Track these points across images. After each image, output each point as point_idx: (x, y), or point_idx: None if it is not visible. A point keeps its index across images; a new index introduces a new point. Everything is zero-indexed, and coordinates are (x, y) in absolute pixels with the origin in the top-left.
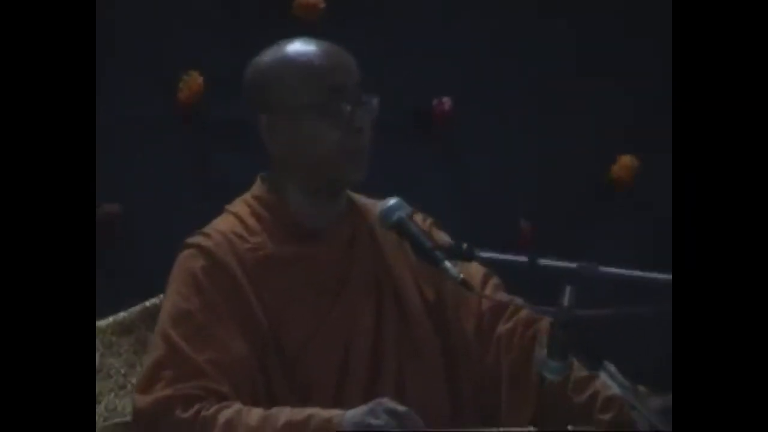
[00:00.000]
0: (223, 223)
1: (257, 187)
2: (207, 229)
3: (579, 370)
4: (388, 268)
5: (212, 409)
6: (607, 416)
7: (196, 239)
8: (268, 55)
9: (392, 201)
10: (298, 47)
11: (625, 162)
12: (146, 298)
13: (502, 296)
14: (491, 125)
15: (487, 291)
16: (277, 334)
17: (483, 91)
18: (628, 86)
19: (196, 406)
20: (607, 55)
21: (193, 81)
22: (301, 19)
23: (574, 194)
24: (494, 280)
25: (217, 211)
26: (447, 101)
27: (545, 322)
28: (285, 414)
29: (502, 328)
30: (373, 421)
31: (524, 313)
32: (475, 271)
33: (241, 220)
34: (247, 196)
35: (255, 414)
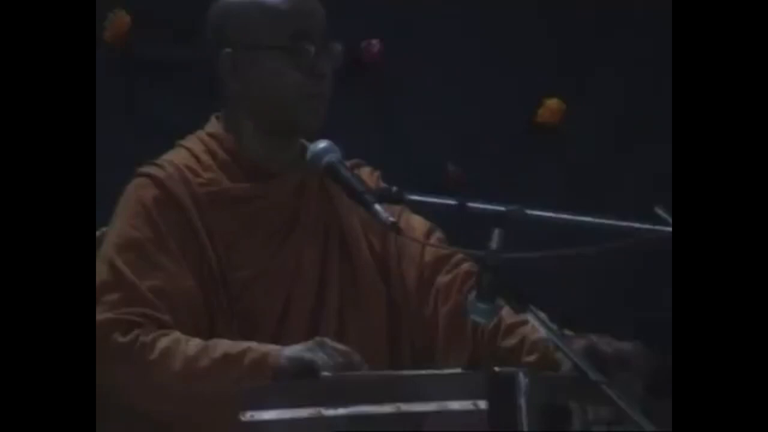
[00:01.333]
0: (176, 156)
1: (212, 125)
2: (159, 161)
3: (510, 317)
4: (337, 216)
5: (151, 336)
6: (532, 357)
7: (149, 169)
8: None
9: (322, 144)
10: None
11: (551, 105)
12: None
13: (444, 249)
14: (420, 68)
15: (428, 247)
16: (223, 270)
17: (411, 32)
18: (553, 26)
19: (135, 332)
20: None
21: (120, 19)
22: None
23: (501, 136)
24: (437, 234)
25: (145, 151)
26: (376, 43)
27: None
28: (223, 345)
29: (442, 279)
30: (311, 357)
31: (464, 267)
32: (418, 224)
33: (195, 155)
34: (201, 132)
35: (193, 343)
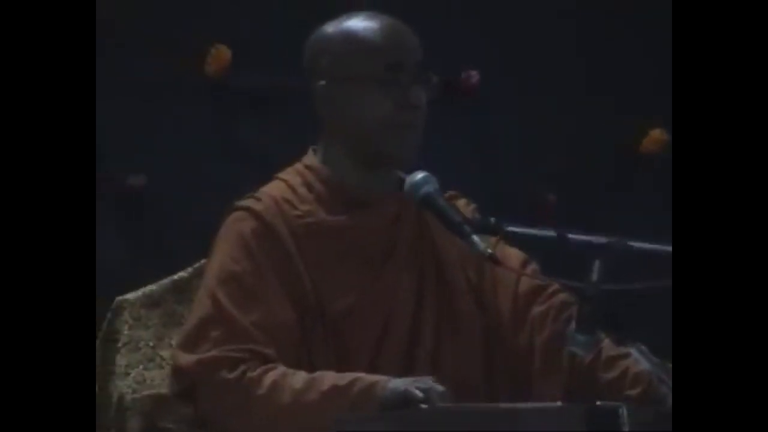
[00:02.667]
0: (273, 189)
1: (308, 157)
2: (257, 193)
3: (610, 350)
4: (433, 245)
5: (258, 371)
6: (635, 391)
7: (247, 202)
8: (331, 26)
9: (419, 176)
10: (361, 21)
11: (656, 136)
12: (174, 272)
13: (539, 280)
14: (518, 98)
15: (524, 278)
16: (321, 301)
17: (510, 62)
18: (658, 58)
19: (242, 367)
20: (636, 23)
21: (221, 54)
22: None
23: (602, 167)
24: (533, 265)
25: (244, 183)
26: (475, 74)
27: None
28: (330, 378)
29: (537, 309)
30: (417, 393)
31: (559, 298)
32: (514, 254)
33: (291, 188)
34: (299, 165)
35: (300, 377)
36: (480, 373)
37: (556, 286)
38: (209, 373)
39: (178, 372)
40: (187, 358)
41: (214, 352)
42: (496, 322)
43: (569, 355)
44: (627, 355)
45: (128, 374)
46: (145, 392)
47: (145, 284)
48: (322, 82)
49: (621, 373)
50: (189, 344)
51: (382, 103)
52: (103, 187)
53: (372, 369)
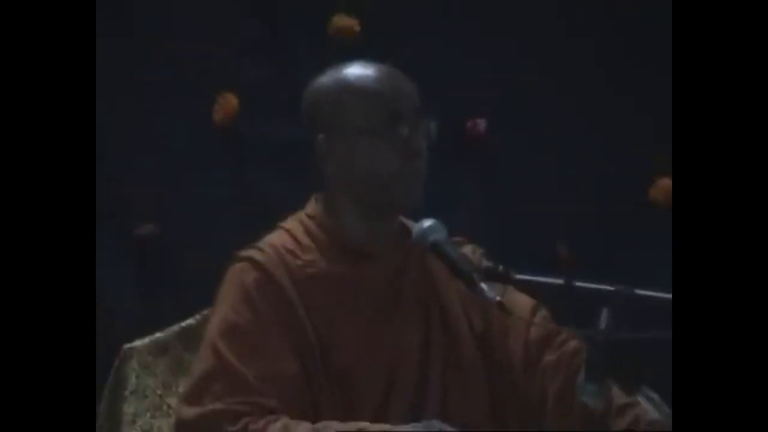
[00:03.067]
0: (275, 238)
1: (311, 206)
2: (259, 244)
3: (622, 397)
4: (437, 293)
5: (260, 423)
6: None
7: (249, 252)
8: (327, 77)
9: (427, 223)
10: (357, 70)
11: (664, 184)
12: (183, 319)
13: (550, 327)
14: (525, 145)
15: (535, 324)
16: (325, 352)
17: (517, 110)
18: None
19: (244, 420)
20: (642, 73)
21: (228, 102)
22: (337, 41)
23: (612, 214)
24: (542, 312)
25: (255, 231)
26: (481, 123)
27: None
28: (334, 427)
29: (548, 358)
30: None
31: (571, 345)
32: (523, 301)
33: (294, 237)
34: (301, 214)
35: (303, 427)
36: (489, 421)
37: (567, 332)
38: (212, 427)
39: (181, 426)
40: (189, 412)
41: (216, 406)
42: (506, 368)
43: (580, 405)
44: (635, 405)
45: (135, 422)
46: None
47: (153, 332)
48: (321, 135)
49: (633, 420)
50: (191, 398)
51: (386, 154)
52: (114, 236)
53: (379, 420)
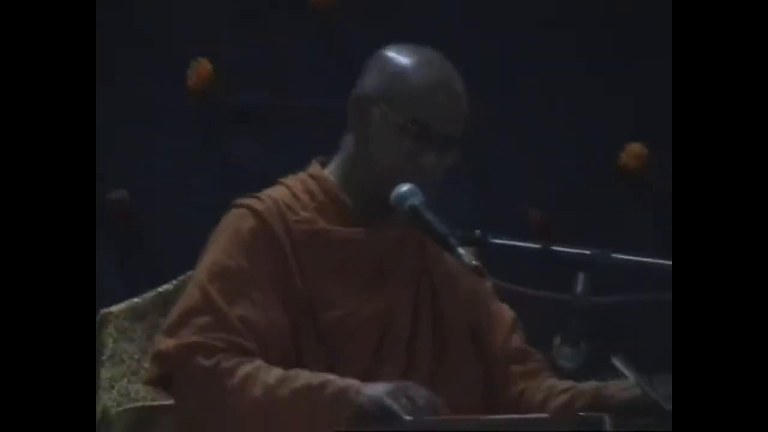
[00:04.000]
0: (276, 192)
1: (313, 167)
2: (260, 194)
3: (560, 385)
4: (430, 275)
5: (232, 361)
6: (582, 402)
7: (249, 200)
8: (402, 54)
9: (405, 187)
10: (429, 67)
11: (634, 150)
12: (158, 285)
13: (524, 344)
14: (502, 115)
15: (515, 336)
16: (313, 307)
17: (494, 81)
18: (642, 73)
19: (219, 356)
20: (618, 43)
21: (202, 67)
22: (315, 9)
23: (585, 182)
24: (520, 326)
25: (229, 197)
26: None
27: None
28: (304, 376)
29: (516, 369)
30: (390, 402)
31: (537, 365)
32: (506, 312)
33: (294, 194)
34: (303, 173)
35: (274, 372)
36: (477, 397)
37: (538, 356)
38: (186, 358)
39: (158, 357)
40: (166, 343)
41: (194, 338)
42: (490, 358)
43: (529, 401)
44: (576, 385)
45: (113, 387)
46: (130, 405)
47: (128, 298)
48: (366, 93)
49: (570, 397)
50: (171, 330)
51: (397, 151)
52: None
53: (366, 379)
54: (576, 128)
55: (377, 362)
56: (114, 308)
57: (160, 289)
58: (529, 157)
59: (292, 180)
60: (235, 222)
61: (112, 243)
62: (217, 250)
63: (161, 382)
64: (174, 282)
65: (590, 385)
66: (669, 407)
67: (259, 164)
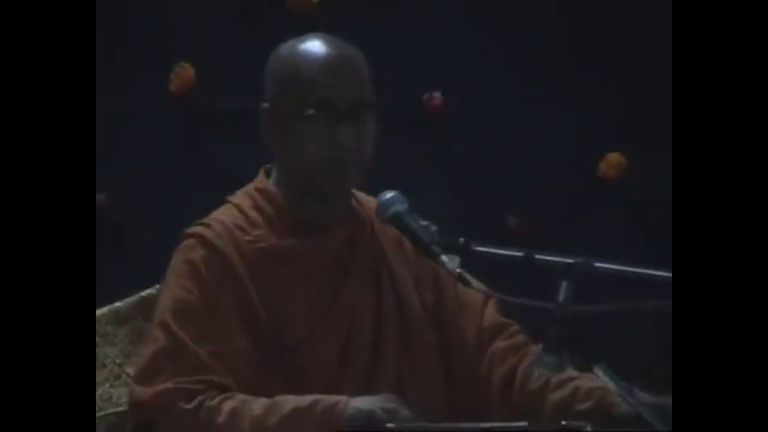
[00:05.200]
0: (223, 214)
1: (260, 180)
2: (207, 220)
3: (560, 375)
4: (388, 266)
5: (216, 400)
6: (586, 405)
7: (196, 229)
8: (285, 47)
9: (389, 194)
10: (307, 48)
11: (612, 159)
12: (141, 289)
13: (502, 318)
14: (481, 119)
15: (488, 311)
16: (276, 326)
17: (473, 85)
18: (622, 82)
19: (199, 398)
20: (599, 50)
21: (184, 72)
22: (296, 11)
23: (565, 190)
24: (494, 301)
25: (211, 201)
26: (438, 96)
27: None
28: (290, 401)
29: (499, 344)
30: (378, 409)
31: (520, 338)
32: (475, 295)
33: (243, 212)
34: (250, 187)
35: (259, 403)
36: (442, 394)
37: (516, 327)
38: (167, 406)
39: (135, 406)
40: (143, 392)
41: (169, 384)
42: (458, 345)
43: (523, 384)
44: (576, 378)
45: (95, 391)
46: (111, 410)
47: (110, 302)
48: (266, 105)
49: (571, 392)
50: (144, 378)
51: (310, 140)
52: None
53: (333, 387)
54: (556, 133)
55: (342, 368)
56: (96, 312)
57: (143, 294)
58: (507, 161)
59: (239, 197)
60: (186, 254)
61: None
62: (173, 286)
63: (141, 429)
64: (157, 287)
65: (593, 383)
66: (652, 419)
67: (243, 167)
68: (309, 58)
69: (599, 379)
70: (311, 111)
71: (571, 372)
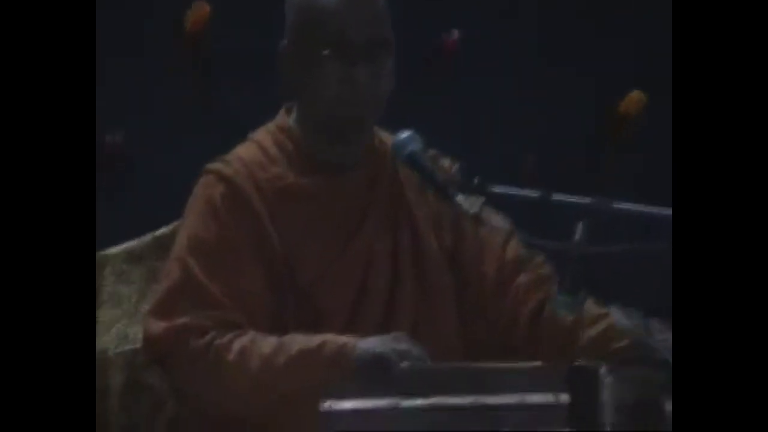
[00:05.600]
0: (244, 151)
1: (281, 117)
2: (228, 156)
3: (593, 309)
4: (408, 208)
5: (226, 338)
6: (621, 344)
7: (216, 166)
8: None
9: (405, 134)
10: None
11: (634, 97)
12: (153, 228)
13: (525, 250)
14: (498, 60)
15: (510, 246)
16: (292, 266)
17: (490, 26)
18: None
19: (211, 334)
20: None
21: (200, 8)
22: None
23: (580, 130)
24: (517, 235)
25: (221, 142)
26: (454, 32)
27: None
28: (298, 341)
29: (522, 279)
30: (387, 350)
31: (546, 269)
32: (499, 221)
33: (263, 149)
34: (271, 125)
35: (269, 342)
36: (458, 337)
37: (540, 258)
38: (179, 341)
39: (148, 340)
40: (156, 326)
41: (183, 320)
42: (476, 288)
43: (552, 318)
44: (607, 314)
45: (110, 329)
46: (128, 347)
47: (122, 241)
48: (284, 42)
49: (605, 329)
50: (158, 312)
51: (326, 78)
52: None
53: (347, 332)
54: (572, 75)
55: (357, 310)
56: (111, 251)
57: (156, 233)
58: (523, 102)
59: (261, 134)
60: (206, 191)
61: (107, 185)
62: (192, 222)
63: (154, 363)
64: (171, 226)
65: (624, 323)
66: (669, 356)
67: (251, 110)
68: None
69: (626, 317)
70: (327, 51)
71: (601, 308)
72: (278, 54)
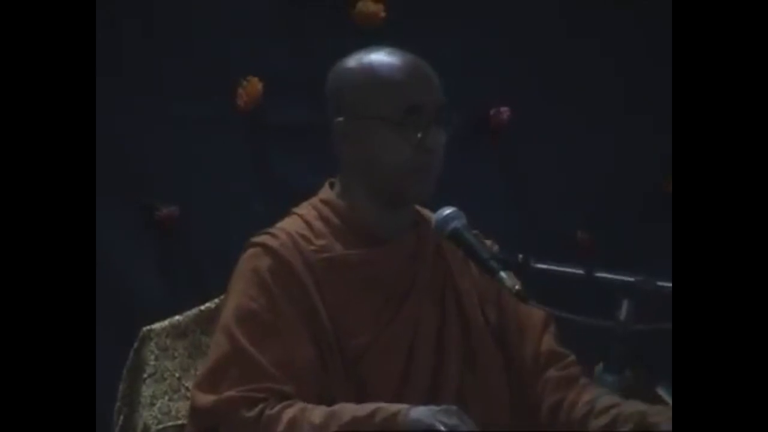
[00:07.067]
0: (289, 224)
1: (325, 191)
2: (273, 229)
3: (604, 401)
4: (453, 281)
5: (276, 408)
6: (627, 427)
7: (262, 238)
8: (352, 61)
9: (448, 210)
10: (383, 57)
11: None
12: (203, 302)
13: (557, 345)
14: (549, 134)
15: (546, 336)
16: (339, 337)
17: (541, 99)
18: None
19: (260, 406)
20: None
21: (253, 87)
22: (360, 26)
23: (633, 205)
24: (553, 327)
25: (276, 214)
26: (505, 111)
27: (592, 387)
28: (350, 410)
29: (553, 373)
30: (437, 422)
31: (574, 370)
32: (537, 312)
33: (307, 223)
34: (315, 199)
35: (319, 411)
36: (506, 410)
37: (572, 357)
38: (228, 414)
39: (196, 413)
40: (205, 399)
41: (232, 392)
42: (518, 368)
43: (568, 413)
44: (618, 404)
45: (153, 404)
46: (170, 423)
47: (172, 315)
48: (341, 119)
49: (612, 419)
50: (207, 385)
51: (400, 146)
52: (137, 216)
53: (395, 401)
54: (620, 147)
55: (405, 382)
56: (156, 326)
57: (202, 307)
58: (571, 174)
59: (304, 208)
60: (252, 262)
61: (160, 259)
62: (238, 294)
63: None
64: (216, 300)
65: (634, 407)
66: None
67: (307, 181)
68: (390, 66)
69: (641, 404)
70: (399, 117)
71: (614, 399)
72: (335, 130)
